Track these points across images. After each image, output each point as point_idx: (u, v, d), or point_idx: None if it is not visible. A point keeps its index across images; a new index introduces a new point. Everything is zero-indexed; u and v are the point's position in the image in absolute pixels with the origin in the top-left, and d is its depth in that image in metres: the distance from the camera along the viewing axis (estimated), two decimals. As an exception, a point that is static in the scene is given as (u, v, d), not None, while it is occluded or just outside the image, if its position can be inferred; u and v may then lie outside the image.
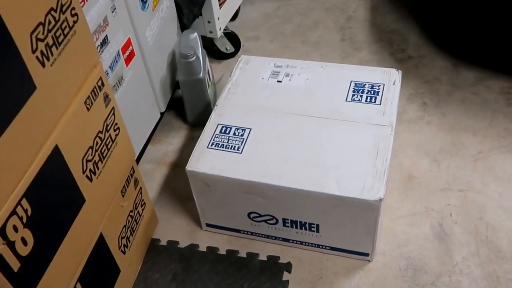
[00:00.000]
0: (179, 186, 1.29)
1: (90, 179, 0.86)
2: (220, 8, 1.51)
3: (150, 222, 1.16)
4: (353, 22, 1.77)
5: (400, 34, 1.69)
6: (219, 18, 1.51)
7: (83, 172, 0.84)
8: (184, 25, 1.43)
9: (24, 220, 0.69)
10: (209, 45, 1.62)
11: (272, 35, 1.75)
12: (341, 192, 0.95)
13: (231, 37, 1.64)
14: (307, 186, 0.97)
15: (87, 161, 0.84)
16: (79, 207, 0.83)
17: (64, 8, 0.75)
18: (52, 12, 0.72)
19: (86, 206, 0.85)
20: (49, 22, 0.72)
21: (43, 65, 0.71)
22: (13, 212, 0.66)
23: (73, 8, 0.78)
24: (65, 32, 0.76)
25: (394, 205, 1.19)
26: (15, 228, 0.67)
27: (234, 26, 1.74)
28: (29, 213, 0.70)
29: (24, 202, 0.68)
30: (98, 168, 0.88)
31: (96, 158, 0.87)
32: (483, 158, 1.27)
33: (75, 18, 0.78)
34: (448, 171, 1.25)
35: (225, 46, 1.63)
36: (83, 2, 0.96)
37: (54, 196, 0.77)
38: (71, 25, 0.77)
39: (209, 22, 1.49)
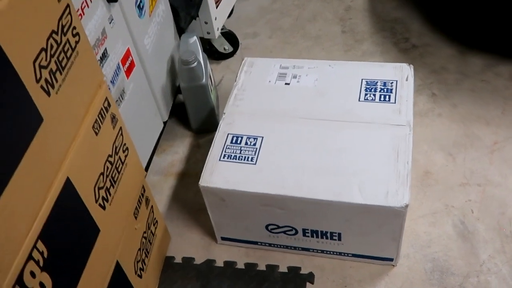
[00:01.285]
0: (189, 198, 1.24)
1: (103, 207, 0.81)
2: (216, 8, 1.45)
3: (163, 240, 1.11)
4: (352, 12, 1.72)
5: (402, 22, 1.64)
6: (216, 18, 1.45)
7: (96, 201, 0.79)
8: (180, 28, 1.37)
9: (41, 263, 0.64)
10: (206, 46, 1.56)
11: (271, 31, 1.69)
12: (365, 200, 0.91)
13: (229, 36, 1.58)
14: (329, 195, 0.93)
15: (99, 188, 0.79)
16: (94, 238, 0.79)
17: (65, 29, 0.70)
18: (54, 35, 0.67)
19: (101, 236, 0.80)
20: (51, 47, 0.66)
21: (48, 94, 0.66)
22: (29, 257, 0.62)
23: (74, 28, 0.72)
24: (68, 54, 0.71)
25: (413, 204, 1.15)
26: (33, 274, 0.62)
27: (230, 23, 1.69)
28: (45, 255, 0.65)
29: (40, 244, 0.64)
30: (110, 194, 0.83)
31: (108, 184, 0.82)
32: (499, 149, 1.24)
33: (77, 38, 0.73)
34: (465, 165, 1.22)
35: (223, 46, 1.57)
36: (80, 16, 0.90)
37: (69, 232, 0.72)
38: (73, 46, 0.72)
39: (206, 23, 1.44)
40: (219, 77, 1.55)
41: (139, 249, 0.97)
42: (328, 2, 1.78)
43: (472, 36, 1.53)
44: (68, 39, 0.70)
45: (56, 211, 0.67)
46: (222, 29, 1.53)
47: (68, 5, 0.71)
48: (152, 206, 1.04)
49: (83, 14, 0.91)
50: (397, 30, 1.61)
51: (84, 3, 0.91)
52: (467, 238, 1.08)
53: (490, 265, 1.04)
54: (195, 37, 1.29)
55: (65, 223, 0.71)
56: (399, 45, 1.56)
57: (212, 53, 1.58)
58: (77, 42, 0.73)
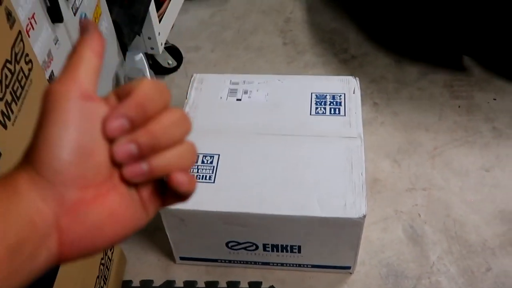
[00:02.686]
0: (142, 218, 1.21)
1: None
2: (159, 22, 1.43)
3: (120, 264, 1.08)
4: (292, 24, 1.76)
5: (340, 33, 1.70)
6: (160, 33, 1.43)
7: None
8: (124, 44, 1.34)
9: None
10: (150, 61, 1.54)
11: (213, 44, 1.69)
12: (324, 213, 0.94)
13: (172, 50, 1.56)
14: (289, 210, 0.94)
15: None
16: (55, 273, 0.75)
17: (18, 57, 0.67)
18: (8, 65, 0.64)
19: (61, 272, 0.77)
20: (6, 77, 0.63)
21: (5, 127, 0.62)
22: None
23: (27, 55, 0.69)
24: (22, 83, 0.67)
25: (365, 211, 1.19)
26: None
27: (172, 37, 1.67)
28: None
29: None
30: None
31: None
32: (439, 154, 1.31)
33: (30, 65, 0.70)
34: (409, 170, 1.28)
35: (167, 60, 1.56)
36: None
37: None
38: (27, 74, 0.69)
39: (149, 38, 1.41)
40: (164, 92, 1.53)
41: (98, 277, 0.94)
42: (267, 14, 1.81)
43: (406, 45, 1.61)
44: (21, 67, 0.67)
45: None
46: (165, 43, 1.51)
47: (20, 32, 0.67)
48: (108, 231, 1.01)
49: (29, 36, 0.87)
50: (336, 41, 1.67)
51: (29, 25, 0.87)
52: (417, 241, 1.14)
53: (440, 266, 1.10)
54: (141, 54, 1.27)
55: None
56: (339, 55, 1.62)
57: (156, 68, 1.56)
58: (30, 70, 0.70)
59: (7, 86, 0.63)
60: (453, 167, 1.28)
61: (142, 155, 0.29)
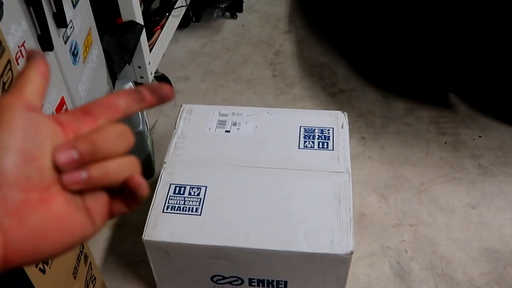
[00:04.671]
0: (125, 249, 1.19)
1: (43, 271, 0.76)
2: (150, 52, 1.44)
3: (102, 297, 1.05)
4: (281, 56, 1.78)
5: (328, 67, 1.72)
6: (150, 62, 1.44)
7: (36, 266, 0.73)
8: (114, 73, 1.34)
9: None
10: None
11: (202, 74, 1.70)
12: (311, 249, 0.93)
13: (162, 79, 1.57)
14: (276, 245, 0.93)
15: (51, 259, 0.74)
16: (33, 306, 0.73)
17: (6, 86, 0.66)
18: (-5, 94, 0.63)
19: (39, 302, 0.74)
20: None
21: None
22: None
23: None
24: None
25: (351, 246, 1.18)
26: None
27: (162, 66, 1.67)
28: (-15, 334, 0.59)
29: (-20, 323, 0.58)
30: (50, 256, 0.78)
31: (48, 246, 0.77)
32: (426, 189, 1.32)
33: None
34: (396, 205, 1.28)
35: (157, 89, 1.55)
36: (14, 67, 0.85)
37: (9, 304, 0.66)
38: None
39: (139, 67, 1.42)
40: (152, 121, 1.52)
41: (78, 311, 0.91)
42: (257, 46, 1.83)
43: (393, 81, 1.64)
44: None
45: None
46: (155, 73, 1.52)
47: (9, 61, 0.67)
48: (90, 263, 0.99)
49: (18, 64, 0.86)
50: (325, 74, 1.69)
51: (19, 53, 0.87)
52: (404, 278, 1.13)
53: (426, 303, 1.09)
54: (130, 84, 1.27)
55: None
56: (327, 89, 1.63)
57: (145, 97, 1.56)
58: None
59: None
60: (439, 203, 1.28)
61: (82, 162, 0.30)
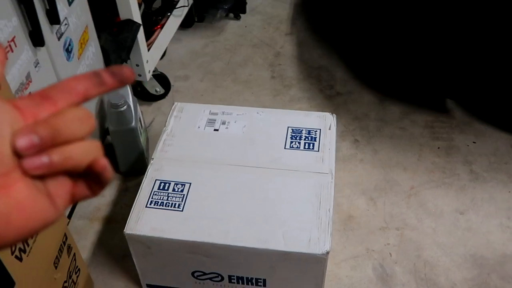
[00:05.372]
0: (114, 243, 1.22)
1: (20, 259, 0.78)
2: (148, 51, 1.47)
3: (86, 288, 1.08)
4: (281, 58, 1.79)
5: (327, 70, 1.73)
6: (148, 61, 1.46)
7: (12, 253, 0.76)
8: (111, 70, 1.37)
9: None
10: (138, 87, 1.57)
11: (202, 74, 1.73)
12: (287, 248, 0.94)
13: (160, 78, 1.59)
14: (253, 243, 0.94)
15: (14, 245, 0.77)
16: (9, 292, 0.76)
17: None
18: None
19: (16, 290, 0.77)
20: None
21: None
22: None
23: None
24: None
25: (336, 248, 1.19)
26: None
27: (162, 65, 1.70)
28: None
29: None
30: (28, 245, 0.80)
31: (26, 235, 0.79)
32: (415, 194, 1.32)
33: (-3, 87, 0.72)
34: (384, 209, 1.28)
35: (155, 88, 1.58)
36: (3, 61, 0.88)
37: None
38: (-7, 96, 0.70)
39: (137, 65, 1.44)
40: (150, 119, 1.55)
41: (59, 300, 0.94)
42: (258, 47, 1.84)
43: (390, 85, 1.64)
44: (-12, 89, 0.69)
45: (-33, 268, 0.64)
46: (154, 71, 1.54)
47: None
48: (74, 254, 1.01)
49: (7, 58, 0.89)
50: (323, 77, 1.70)
51: (8, 48, 0.90)
52: (386, 281, 1.13)
53: (407, 307, 1.09)
54: (125, 81, 1.30)
55: (-23, 280, 0.68)
56: (324, 91, 1.64)
57: (144, 95, 1.59)
58: (-2, 91, 0.72)
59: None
60: (428, 208, 1.28)
61: (42, 147, 0.29)
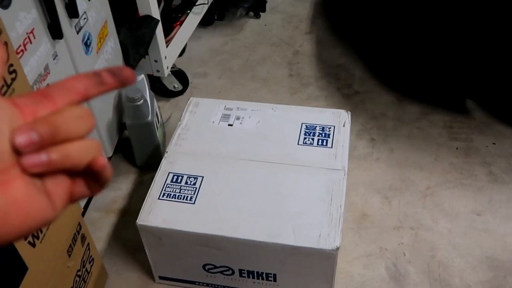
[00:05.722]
0: (129, 236, 1.23)
1: (33, 245, 0.80)
2: (167, 47, 1.48)
3: (99, 278, 1.09)
4: (300, 57, 1.79)
5: (346, 69, 1.72)
6: (166, 57, 1.48)
7: (25, 238, 0.78)
8: (130, 65, 1.39)
9: (-41, 304, 0.62)
10: (156, 83, 1.58)
11: (220, 71, 1.74)
12: (297, 242, 0.94)
13: (179, 74, 1.61)
14: (263, 237, 0.95)
15: (13, 242, 0.78)
16: (21, 276, 0.77)
17: (1, 67, 0.70)
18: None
19: (29, 274, 0.79)
20: (-15, 84, 0.67)
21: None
22: None
23: (11, 65, 0.73)
24: (3, 91, 0.71)
25: (349, 246, 1.19)
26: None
27: (181, 62, 1.72)
28: (-35, 295, 0.63)
29: (-41, 284, 0.62)
30: (41, 231, 0.82)
31: (39, 221, 0.81)
32: (431, 194, 1.30)
33: (13, 75, 0.74)
34: (399, 208, 1.27)
35: (173, 84, 1.60)
36: (21, 52, 0.90)
37: (-8, 271, 0.71)
38: (9, 83, 0.72)
39: (156, 61, 1.46)
40: (168, 114, 1.57)
41: (71, 288, 0.96)
42: (277, 45, 1.84)
43: (409, 85, 1.62)
44: (3, 77, 0.71)
45: (-21, 250, 0.66)
46: (172, 67, 1.56)
47: (5, 43, 0.71)
48: (88, 244, 1.03)
49: (25, 50, 0.91)
50: (341, 76, 1.69)
51: (27, 39, 0.92)
52: (399, 280, 1.12)
53: (419, 307, 1.07)
54: (142, 75, 1.31)
55: (-11, 262, 0.70)
56: (342, 90, 1.63)
57: (162, 91, 1.60)
58: (13, 79, 0.73)
59: (-15, 93, 0.67)
60: (444, 209, 1.26)
61: (41, 144, 0.29)
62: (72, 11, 1.05)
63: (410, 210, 1.26)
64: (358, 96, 1.61)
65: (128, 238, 1.23)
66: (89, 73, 0.33)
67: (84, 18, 1.12)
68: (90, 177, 0.33)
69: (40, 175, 0.31)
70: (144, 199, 1.02)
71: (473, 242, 1.18)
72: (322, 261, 0.96)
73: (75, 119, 0.31)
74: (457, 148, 1.41)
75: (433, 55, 1.53)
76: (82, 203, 1.24)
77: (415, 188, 1.31)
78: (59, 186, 0.32)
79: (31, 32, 0.93)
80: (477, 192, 1.29)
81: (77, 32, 1.10)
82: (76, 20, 1.08)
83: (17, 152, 0.29)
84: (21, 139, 0.29)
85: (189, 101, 1.25)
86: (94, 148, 0.32)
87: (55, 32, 1.00)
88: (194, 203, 1.01)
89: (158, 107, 1.40)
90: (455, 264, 1.14)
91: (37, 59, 0.96)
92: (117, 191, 1.34)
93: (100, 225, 1.26)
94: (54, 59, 1.02)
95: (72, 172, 0.32)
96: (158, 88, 1.59)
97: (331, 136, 1.14)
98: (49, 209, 0.31)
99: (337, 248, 0.93)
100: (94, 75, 0.33)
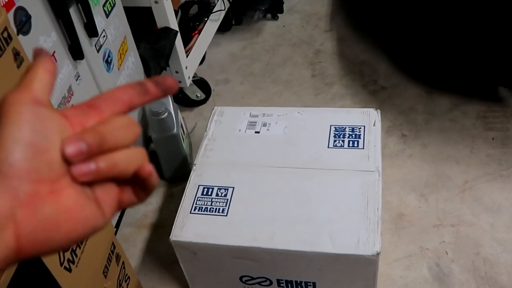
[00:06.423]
0: (162, 250, 1.22)
1: (69, 270, 0.79)
2: (187, 57, 1.47)
3: (136, 296, 1.09)
4: (321, 56, 1.75)
5: (369, 64, 1.68)
6: (187, 67, 1.47)
7: (61, 264, 0.77)
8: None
9: (0, 337, 0.62)
10: (179, 94, 1.57)
11: (242, 76, 1.72)
12: (336, 250, 0.91)
13: (200, 83, 1.60)
14: (300, 246, 0.92)
15: (64, 250, 0.78)
16: (58, 302, 0.76)
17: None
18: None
19: (66, 299, 0.78)
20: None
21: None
22: (-14, 333, 0.60)
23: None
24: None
25: (388, 247, 1.15)
26: None
27: (202, 70, 1.71)
28: (5, 327, 0.63)
29: (-2, 317, 0.62)
30: (76, 256, 0.81)
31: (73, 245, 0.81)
32: (470, 188, 1.25)
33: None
34: (437, 205, 1.22)
35: (196, 93, 1.59)
36: (44, 76, 0.90)
37: (30, 300, 0.70)
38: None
39: (177, 72, 1.45)
40: (192, 124, 1.55)
41: (110, 309, 0.95)
42: (298, 46, 1.82)
43: (438, 76, 1.57)
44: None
45: (16, 278, 0.65)
46: (193, 76, 1.55)
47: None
48: (123, 262, 1.02)
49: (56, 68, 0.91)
50: (365, 72, 1.65)
51: (49, 63, 0.91)
52: (443, 280, 1.08)
53: (467, 308, 1.03)
54: (165, 88, 1.30)
55: (27, 291, 0.69)
56: (368, 87, 1.59)
57: (185, 101, 1.59)
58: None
59: (11, 122, 0.66)
60: (484, 203, 1.21)
61: (90, 154, 0.31)
62: (91, 30, 1.05)
63: (449, 206, 1.22)
64: (384, 92, 1.56)
65: (162, 252, 1.22)
66: (133, 84, 0.35)
67: (104, 36, 1.12)
68: (137, 185, 0.34)
69: (90, 183, 0.32)
70: (174, 212, 1.01)
71: (518, 236, 1.13)
72: (363, 267, 0.93)
73: (121, 128, 0.32)
74: (493, 139, 1.36)
75: (462, 43, 1.48)
76: (114, 220, 1.23)
77: (452, 184, 1.27)
78: (108, 194, 0.33)
79: (53, 55, 0.93)
80: (518, 183, 1.24)
81: (98, 51, 1.10)
82: (96, 39, 1.08)
83: (67, 161, 0.30)
84: (71, 149, 0.30)
85: (214, 110, 1.23)
86: (140, 156, 0.33)
87: (76, 53, 0.99)
88: (226, 215, 0.99)
89: (183, 118, 1.39)
90: (501, 260, 1.10)
91: (60, 81, 0.95)
92: (148, 205, 1.34)
93: (133, 241, 1.25)
94: (76, 80, 1.02)
95: (120, 180, 0.33)
96: (181, 98, 1.58)
97: (361, 136, 1.10)
98: (99, 216, 0.33)
99: (378, 253, 0.89)
100: (138, 85, 0.34)
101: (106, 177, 0.32)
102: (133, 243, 1.24)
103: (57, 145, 0.30)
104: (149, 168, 0.33)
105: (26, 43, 0.84)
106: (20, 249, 0.29)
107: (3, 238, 0.28)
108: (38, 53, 0.34)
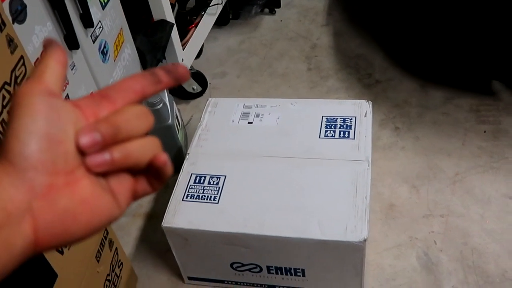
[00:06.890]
0: (156, 238, 1.24)
1: (61, 252, 0.81)
2: (183, 50, 1.49)
3: (129, 282, 1.11)
4: (318, 50, 1.77)
5: (365, 58, 1.69)
6: (183, 59, 1.48)
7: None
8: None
9: (-9, 313, 0.64)
10: (175, 86, 1.59)
11: (239, 70, 1.73)
12: (324, 236, 0.92)
13: (197, 76, 1.61)
14: (289, 232, 0.94)
15: (80, 242, 0.80)
16: (51, 283, 0.79)
17: (18, 80, 0.71)
18: (6, 87, 0.68)
19: (59, 281, 0.80)
20: (4, 98, 0.68)
21: (0, 143, 0.67)
22: (-22, 308, 0.61)
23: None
24: (22, 104, 0.72)
25: (378, 237, 1.17)
26: (-18, 325, 0.62)
27: (199, 63, 1.73)
28: (-4, 304, 0.65)
29: (-10, 294, 0.64)
30: (69, 239, 0.83)
31: (66, 229, 0.82)
32: (461, 180, 1.27)
33: (31, 88, 0.75)
34: (428, 196, 1.24)
35: (192, 86, 1.60)
36: (40, 64, 0.92)
37: (23, 279, 0.72)
38: (27, 96, 0.73)
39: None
40: (188, 117, 1.57)
41: (102, 293, 0.97)
42: (294, 40, 1.83)
43: (432, 70, 1.59)
44: (21, 89, 0.72)
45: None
46: (190, 69, 1.56)
47: (22, 57, 0.73)
48: (116, 248, 1.04)
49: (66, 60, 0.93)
50: (361, 66, 1.66)
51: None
52: (431, 269, 1.10)
53: (454, 296, 1.05)
54: (160, 79, 1.32)
55: (18, 270, 0.71)
56: (363, 80, 1.61)
57: (181, 93, 1.61)
58: (31, 91, 0.75)
59: (4, 106, 0.68)
60: (474, 194, 1.23)
61: (104, 144, 0.30)
62: (87, 21, 1.06)
63: (439, 197, 1.23)
64: (379, 85, 1.58)
65: (156, 240, 1.24)
66: (145, 73, 0.34)
67: (100, 27, 1.14)
68: (152, 175, 0.33)
69: (105, 174, 0.32)
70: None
71: (507, 227, 1.15)
72: (350, 254, 0.94)
73: (134, 118, 0.32)
74: (485, 131, 1.37)
75: (456, 37, 1.49)
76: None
77: (443, 175, 1.28)
78: (123, 184, 0.33)
79: (48, 43, 0.94)
80: (508, 175, 1.25)
81: (93, 42, 1.12)
82: (92, 29, 1.10)
83: (82, 152, 0.30)
84: (85, 140, 0.30)
85: (208, 101, 1.25)
86: (154, 145, 0.33)
87: (72, 43, 1.01)
88: (218, 203, 1.01)
89: (178, 110, 1.41)
90: (489, 250, 1.11)
91: (55, 70, 0.97)
92: (144, 196, 1.35)
93: (128, 230, 1.27)
94: (72, 69, 1.04)
95: (134, 170, 0.33)
96: (177, 91, 1.60)
97: (352, 127, 1.12)
98: (115, 206, 0.33)
99: (365, 240, 0.91)
100: (150, 74, 0.34)
101: (121, 168, 0.32)
102: (127, 232, 1.26)
103: (72, 136, 0.30)
104: (163, 158, 0.33)
105: (22, 32, 0.86)
106: (38, 241, 0.29)
107: (21, 231, 0.28)
108: (49, 44, 0.34)
